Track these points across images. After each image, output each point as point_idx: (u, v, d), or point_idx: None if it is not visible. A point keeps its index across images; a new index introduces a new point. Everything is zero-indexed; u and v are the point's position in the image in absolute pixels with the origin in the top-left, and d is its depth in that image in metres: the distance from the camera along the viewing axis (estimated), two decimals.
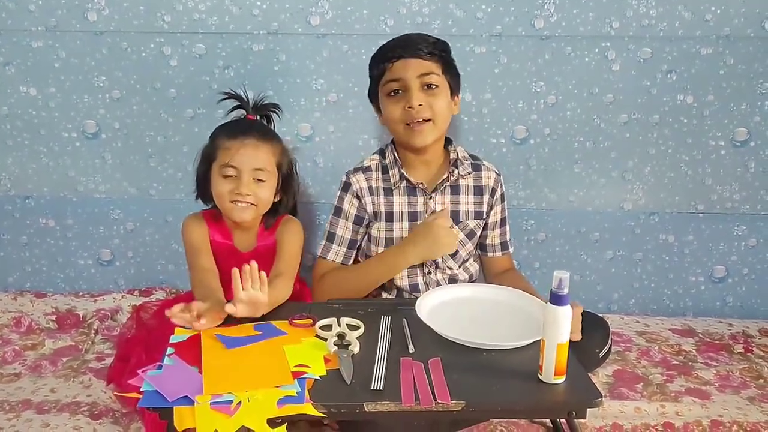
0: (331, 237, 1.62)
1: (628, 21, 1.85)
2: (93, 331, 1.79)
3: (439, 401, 1.03)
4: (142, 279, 2.08)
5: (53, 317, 1.87)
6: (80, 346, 1.72)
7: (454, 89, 1.56)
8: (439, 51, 1.52)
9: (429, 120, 1.50)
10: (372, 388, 1.06)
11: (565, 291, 1.08)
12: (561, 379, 1.09)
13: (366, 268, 1.59)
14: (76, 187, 2.00)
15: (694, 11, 1.84)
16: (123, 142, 1.97)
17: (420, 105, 1.48)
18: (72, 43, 1.89)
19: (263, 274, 1.24)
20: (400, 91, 1.51)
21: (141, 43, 1.88)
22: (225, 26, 1.87)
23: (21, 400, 1.46)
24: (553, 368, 1.08)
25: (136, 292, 2.01)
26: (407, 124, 1.51)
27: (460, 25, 1.86)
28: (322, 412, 1.01)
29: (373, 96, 1.61)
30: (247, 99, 1.63)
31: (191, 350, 1.14)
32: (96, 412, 1.43)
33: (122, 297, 1.98)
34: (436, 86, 1.50)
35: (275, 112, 1.67)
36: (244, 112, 1.61)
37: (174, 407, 0.99)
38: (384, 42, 1.56)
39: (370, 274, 1.56)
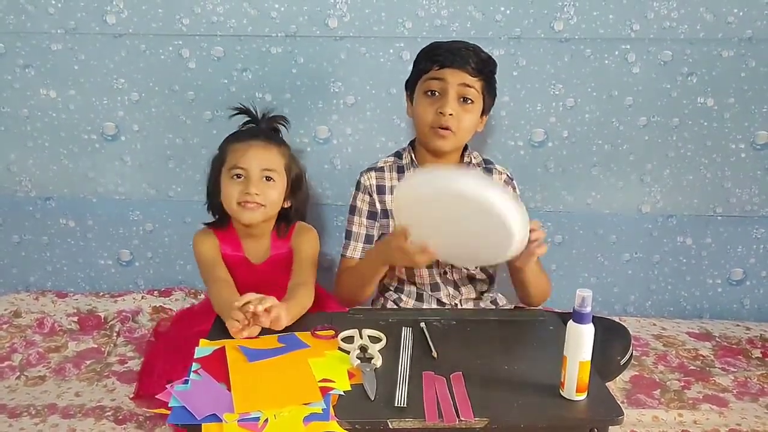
0: (348, 235, 1.65)
1: (648, 23, 1.84)
2: (115, 334, 1.81)
3: (463, 418, 1.05)
4: (161, 279, 2.10)
5: (75, 318, 1.90)
6: (102, 349, 1.74)
7: (486, 110, 1.58)
8: (486, 70, 1.53)
9: (452, 131, 1.51)
10: (396, 404, 1.07)
11: (588, 309, 1.08)
12: (583, 396, 1.10)
13: (359, 265, 1.60)
14: (96, 188, 2.02)
15: (716, 13, 1.82)
16: (142, 143, 1.98)
17: (451, 114, 1.49)
18: (91, 45, 1.89)
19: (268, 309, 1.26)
20: (437, 93, 1.51)
21: (159, 45, 1.89)
22: (243, 29, 1.87)
23: (47, 404, 1.49)
24: (575, 385, 1.09)
25: (155, 292, 2.03)
26: (433, 127, 1.52)
27: (479, 28, 1.85)
28: (347, 429, 1.03)
29: (410, 86, 1.61)
30: (256, 112, 1.63)
31: (217, 365, 1.15)
32: (120, 417, 1.45)
33: (142, 297, 2.00)
34: (472, 102, 1.52)
35: (283, 124, 1.68)
36: (254, 125, 1.62)
37: (202, 425, 1.01)
38: (431, 42, 1.56)
39: (362, 271, 1.56)
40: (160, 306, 1.96)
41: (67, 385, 1.58)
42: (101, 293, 2.05)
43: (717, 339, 1.90)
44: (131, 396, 1.51)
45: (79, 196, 2.03)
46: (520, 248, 1.32)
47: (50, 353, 1.72)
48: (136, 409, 1.48)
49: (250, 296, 1.26)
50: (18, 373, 1.62)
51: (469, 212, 1.23)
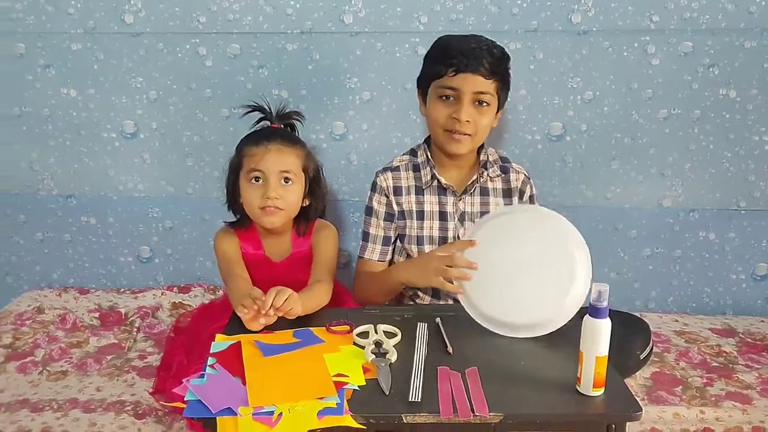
0: (366, 236, 1.66)
1: (668, 14, 1.81)
2: (135, 329, 1.83)
3: (477, 413, 1.04)
4: (180, 276, 2.12)
5: (96, 314, 1.92)
6: (123, 344, 1.76)
7: (501, 106, 1.57)
8: (501, 69, 1.51)
9: (469, 135, 1.51)
10: (410, 399, 1.07)
11: (605, 303, 1.07)
12: (600, 392, 1.09)
13: (381, 277, 1.61)
14: (116, 186, 2.05)
15: (737, 3, 1.79)
16: (160, 141, 2.00)
17: (467, 121, 1.48)
18: (110, 45, 1.91)
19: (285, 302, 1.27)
20: (451, 98, 1.50)
21: (177, 44, 1.91)
22: (259, 26, 1.88)
23: (68, 398, 1.51)
24: (591, 381, 1.08)
25: (175, 288, 2.05)
26: (448, 130, 1.51)
27: (495, 21, 1.84)
28: (361, 424, 1.03)
29: (422, 84, 1.59)
30: (270, 109, 1.63)
31: (233, 359, 1.16)
32: (140, 411, 1.47)
33: (162, 294, 2.02)
34: (488, 104, 1.51)
35: (298, 119, 1.68)
36: (268, 123, 1.62)
37: (217, 418, 1.01)
38: (439, 37, 1.55)
39: (383, 282, 1.59)
40: (180, 302, 1.97)
41: (89, 380, 1.59)
42: (122, 289, 2.08)
43: (740, 335, 1.86)
44: (150, 391, 1.52)
45: (100, 194, 2.06)
46: (562, 315, 1.30)
47: (72, 348, 1.74)
48: (155, 403, 1.49)
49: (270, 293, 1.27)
50: (41, 368, 1.64)
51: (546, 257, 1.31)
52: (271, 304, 1.24)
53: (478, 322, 1.32)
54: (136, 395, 1.53)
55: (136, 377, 1.61)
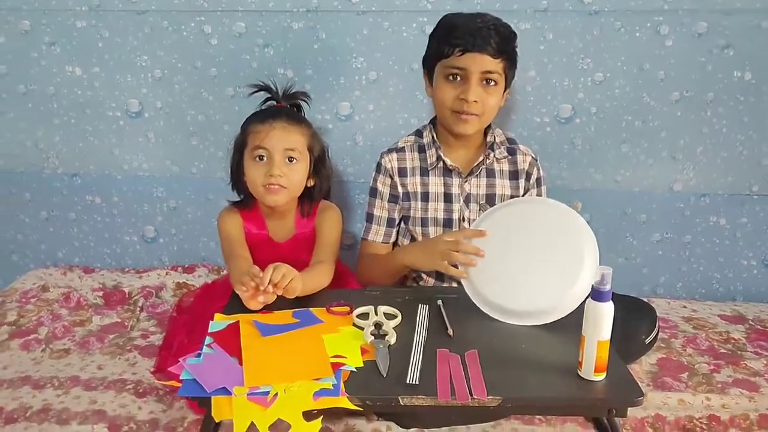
0: (369, 218, 1.65)
1: None
2: (138, 309, 1.83)
3: (475, 396, 1.03)
4: (185, 256, 2.11)
5: (100, 293, 1.92)
6: (126, 323, 1.76)
7: (509, 85, 1.54)
8: (509, 48, 1.48)
9: (477, 116, 1.48)
10: (408, 381, 1.06)
11: (608, 287, 1.05)
12: (601, 376, 1.07)
13: (385, 259, 1.60)
14: (121, 165, 2.04)
15: None
16: (165, 121, 1.98)
17: (475, 101, 1.46)
18: (115, 23, 1.89)
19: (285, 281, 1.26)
20: (458, 78, 1.47)
21: (182, 22, 1.88)
22: (264, 4, 1.85)
23: (70, 376, 1.51)
24: (593, 365, 1.06)
25: (179, 269, 2.04)
26: (455, 111, 1.48)
27: (504, 0, 1.80)
28: (357, 405, 1.02)
29: (427, 64, 1.57)
30: (276, 89, 1.62)
31: (230, 339, 1.15)
32: (141, 390, 1.46)
33: (166, 274, 2.02)
34: (495, 84, 1.48)
35: (304, 100, 1.66)
36: (274, 102, 1.61)
37: (212, 397, 1.01)
38: (446, 13, 1.52)
39: (387, 264, 1.57)
40: (183, 282, 1.97)
41: (90, 358, 1.60)
42: (126, 269, 2.08)
43: (750, 322, 1.83)
44: (152, 370, 1.52)
45: (105, 173, 2.05)
46: (569, 302, 1.27)
47: (75, 327, 1.75)
48: (156, 383, 1.49)
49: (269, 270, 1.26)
50: (43, 346, 1.64)
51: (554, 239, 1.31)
52: (270, 281, 1.23)
53: (480, 308, 1.31)
54: (138, 374, 1.53)
55: (138, 356, 1.61)
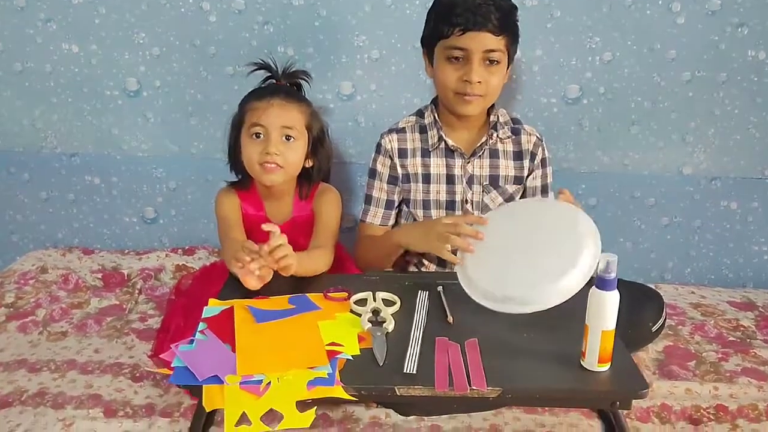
0: (368, 199, 1.62)
1: None
2: (137, 291, 1.81)
3: (474, 387, 1.00)
4: (185, 237, 2.08)
5: (99, 275, 1.90)
6: (124, 306, 1.74)
7: (511, 61, 1.49)
8: (511, 24, 1.43)
9: (481, 96, 1.44)
10: (405, 371, 1.03)
11: (613, 275, 1.01)
12: (605, 367, 1.04)
13: (382, 240, 1.57)
14: (120, 145, 2.00)
15: None
16: (164, 100, 1.95)
17: (479, 82, 1.41)
18: None
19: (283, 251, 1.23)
20: (460, 59, 1.43)
21: None
22: None
23: (66, 359, 1.49)
24: (596, 355, 1.03)
25: (179, 251, 2.02)
26: (459, 93, 1.44)
27: None
28: (352, 395, 0.99)
29: (427, 44, 1.52)
30: (277, 67, 1.58)
31: (224, 325, 1.13)
32: (137, 375, 1.44)
33: (166, 256, 1.99)
34: (498, 62, 1.43)
35: (305, 79, 1.62)
36: (274, 81, 1.57)
37: (203, 386, 0.98)
38: None
39: (383, 245, 1.54)
40: (183, 264, 1.94)
41: (87, 341, 1.58)
42: (126, 251, 2.05)
43: (760, 309, 1.79)
44: (149, 353, 1.50)
45: (104, 153, 2.02)
46: (572, 285, 1.18)
47: (73, 309, 1.72)
48: (152, 366, 1.47)
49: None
50: (41, 328, 1.62)
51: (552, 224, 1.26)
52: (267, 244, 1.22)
53: (471, 296, 1.25)
54: (135, 358, 1.51)
55: (135, 339, 1.58)
